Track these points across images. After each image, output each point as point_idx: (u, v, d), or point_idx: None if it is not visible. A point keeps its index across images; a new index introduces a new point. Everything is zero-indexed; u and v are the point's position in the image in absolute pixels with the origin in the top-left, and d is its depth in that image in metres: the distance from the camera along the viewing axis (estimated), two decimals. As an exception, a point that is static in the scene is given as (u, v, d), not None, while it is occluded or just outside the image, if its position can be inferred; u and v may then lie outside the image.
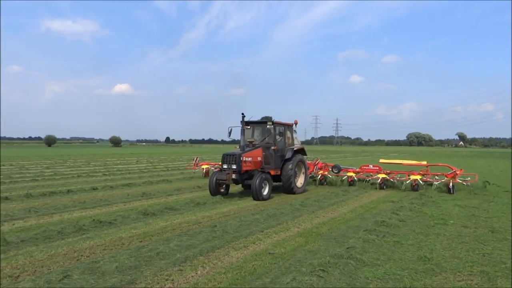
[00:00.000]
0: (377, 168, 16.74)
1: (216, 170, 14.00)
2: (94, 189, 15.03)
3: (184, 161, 36.69)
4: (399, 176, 16.46)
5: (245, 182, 13.29)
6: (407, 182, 15.51)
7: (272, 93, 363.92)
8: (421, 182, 15.33)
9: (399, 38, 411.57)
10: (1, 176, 19.60)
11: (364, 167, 17.26)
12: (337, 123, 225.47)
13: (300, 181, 15.01)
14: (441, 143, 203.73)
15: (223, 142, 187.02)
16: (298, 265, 6.06)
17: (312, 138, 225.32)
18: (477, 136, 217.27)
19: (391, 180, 16.13)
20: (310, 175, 17.53)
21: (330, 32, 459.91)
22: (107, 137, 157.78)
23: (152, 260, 6.19)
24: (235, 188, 15.45)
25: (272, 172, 13.83)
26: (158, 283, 5.28)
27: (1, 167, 26.50)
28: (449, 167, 15.91)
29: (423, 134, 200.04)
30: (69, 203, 11.55)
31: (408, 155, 58.79)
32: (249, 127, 14.57)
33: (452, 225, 9.07)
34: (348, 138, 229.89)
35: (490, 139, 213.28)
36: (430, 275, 5.70)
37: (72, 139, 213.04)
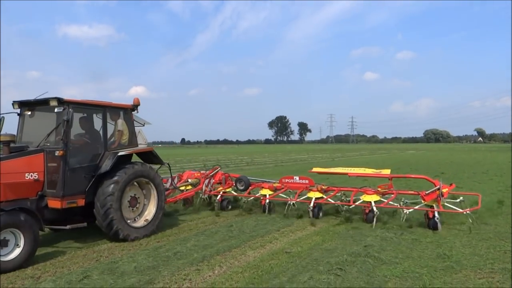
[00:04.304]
0: (307, 181, 10.34)
1: None
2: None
3: (199, 162, 36.79)
4: (341, 195, 10.26)
5: None
6: (351, 206, 9.45)
7: (286, 92, 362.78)
8: (375, 208, 8.72)
9: (414, 34, 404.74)
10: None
11: (287, 181, 10.61)
12: (352, 121, 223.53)
13: (145, 217, 8.07)
14: (459, 139, 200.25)
15: (238, 142, 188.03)
16: (315, 263, 6.04)
17: (328, 136, 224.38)
18: (497, 131, 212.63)
19: (339, 201, 9.90)
20: (202, 196, 10.83)
21: (343, 29, 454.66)
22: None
23: (169, 260, 6.25)
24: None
25: (58, 204, 6.76)
26: (176, 282, 5.34)
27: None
28: (429, 180, 9.27)
29: (441, 131, 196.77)
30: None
31: (426, 152, 58.01)
32: (29, 113, 7.56)
33: (472, 222, 8.88)
34: (363, 136, 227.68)
35: (511, 134, 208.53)
36: (450, 272, 5.62)
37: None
